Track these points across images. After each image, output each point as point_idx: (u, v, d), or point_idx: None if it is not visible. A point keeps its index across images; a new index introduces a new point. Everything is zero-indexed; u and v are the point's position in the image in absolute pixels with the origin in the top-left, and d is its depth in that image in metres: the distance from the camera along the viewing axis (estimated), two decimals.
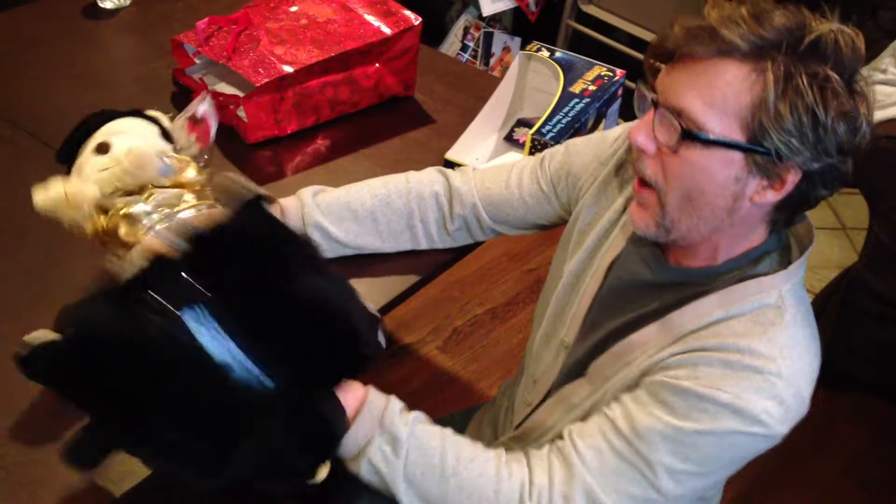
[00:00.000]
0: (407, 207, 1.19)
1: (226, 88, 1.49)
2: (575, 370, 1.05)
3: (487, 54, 3.08)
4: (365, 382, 0.96)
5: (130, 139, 1.07)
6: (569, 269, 1.10)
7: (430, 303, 2.32)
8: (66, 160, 1.09)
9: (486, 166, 1.39)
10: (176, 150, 1.11)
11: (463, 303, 2.37)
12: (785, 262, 0.94)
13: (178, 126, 1.15)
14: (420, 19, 1.50)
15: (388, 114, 1.54)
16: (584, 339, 1.05)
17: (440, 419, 1.44)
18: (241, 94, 1.41)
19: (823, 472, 2.07)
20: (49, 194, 0.99)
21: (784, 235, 0.96)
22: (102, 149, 1.05)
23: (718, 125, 0.83)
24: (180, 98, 1.51)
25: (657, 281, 0.98)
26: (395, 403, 0.96)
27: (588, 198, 1.10)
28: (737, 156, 0.84)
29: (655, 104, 0.88)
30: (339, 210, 1.18)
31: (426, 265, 1.25)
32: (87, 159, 1.06)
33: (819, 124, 0.81)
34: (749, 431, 0.86)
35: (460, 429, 1.37)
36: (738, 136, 0.83)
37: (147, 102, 1.48)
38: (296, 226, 1.16)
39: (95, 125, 1.09)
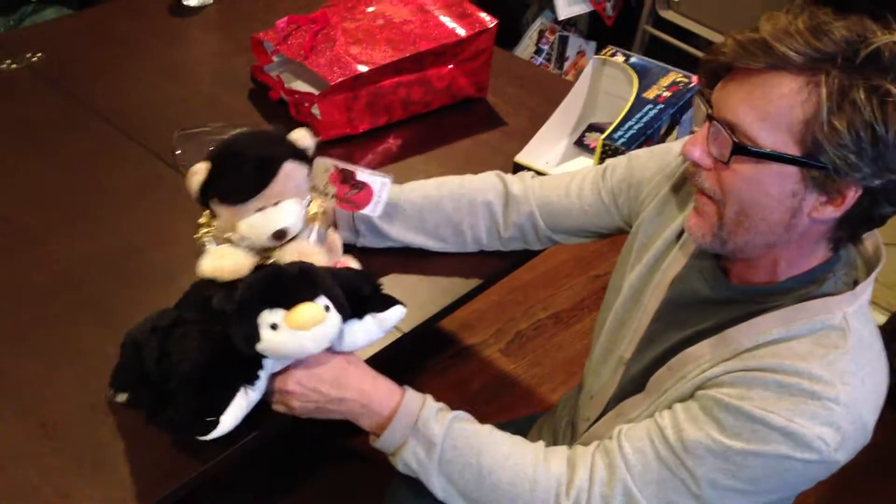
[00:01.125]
0: (457, 212, 1.20)
1: (301, 86, 1.52)
2: (631, 386, 1.04)
3: (562, 58, 3.07)
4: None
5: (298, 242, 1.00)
6: (628, 283, 1.08)
7: (494, 305, 2.32)
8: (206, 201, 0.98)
9: (554, 171, 1.38)
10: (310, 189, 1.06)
11: (527, 306, 2.36)
12: (851, 283, 0.90)
13: (321, 168, 1.11)
14: (495, 21, 1.50)
15: (459, 115, 1.55)
16: (642, 356, 1.03)
17: (499, 425, 1.44)
18: (316, 92, 1.44)
19: (893, 495, 2.00)
20: (212, 268, 0.96)
21: (851, 254, 0.93)
22: (280, 236, 0.97)
23: (771, 139, 0.81)
24: (258, 94, 1.55)
25: (715, 297, 0.96)
26: (431, 405, 0.98)
27: (650, 211, 1.08)
28: (792, 170, 0.82)
29: (710, 118, 0.87)
30: (389, 207, 1.18)
31: (490, 268, 1.25)
32: (258, 229, 0.96)
33: (879, 140, 0.77)
34: (801, 458, 0.83)
35: (520, 434, 1.37)
36: (792, 150, 0.81)
37: (226, 98, 1.53)
38: (345, 216, 1.19)
39: (256, 165, 0.95)
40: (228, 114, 1.49)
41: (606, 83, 1.53)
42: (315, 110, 1.43)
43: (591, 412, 1.13)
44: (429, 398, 1.00)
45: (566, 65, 3.09)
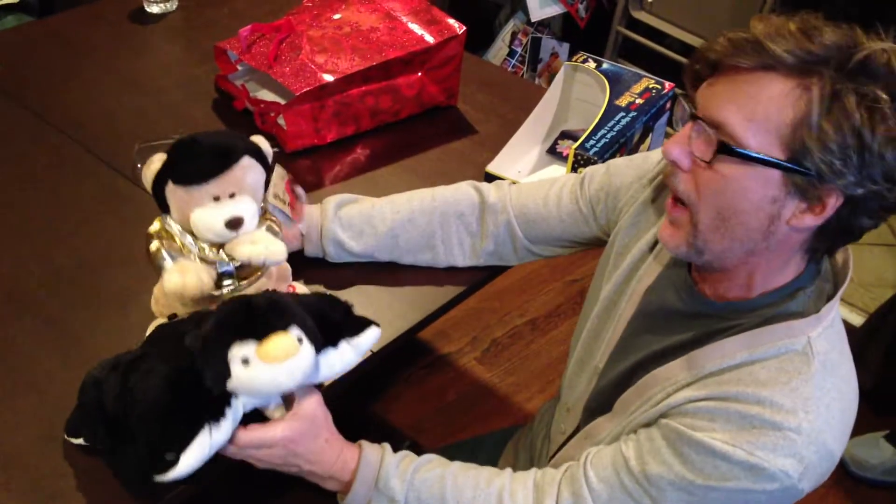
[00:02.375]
0: (429, 227, 1.17)
1: (267, 96, 1.49)
2: (601, 400, 1.02)
3: (535, 60, 3.05)
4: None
5: (259, 235, 0.98)
6: (604, 293, 1.07)
7: (469, 312, 2.29)
8: (161, 192, 0.96)
9: (527, 180, 1.36)
10: (267, 196, 1.07)
11: (503, 313, 2.34)
12: (823, 298, 0.89)
13: (279, 175, 1.12)
14: (464, 28, 1.47)
15: (429, 124, 1.52)
16: (614, 366, 1.02)
17: (475, 440, 1.41)
18: (282, 102, 1.40)
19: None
20: (176, 285, 0.93)
21: (822, 269, 0.91)
22: (235, 224, 0.94)
23: (757, 141, 0.79)
24: (222, 104, 1.51)
25: (687, 311, 0.94)
26: (390, 460, 0.96)
27: (626, 220, 1.06)
28: (775, 174, 0.80)
29: (694, 117, 0.84)
30: (361, 224, 1.17)
31: (463, 280, 1.22)
32: (212, 218, 0.94)
33: (865, 147, 0.76)
34: (763, 489, 0.81)
35: (496, 450, 1.35)
36: (777, 153, 0.79)
37: (189, 108, 1.49)
38: (313, 234, 1.16)
39: (209, 159, 0.94)
40: (192, 124, 1.45)
41: (578, 90, 1.50)
42: (281, 120, 1.40)
43: (567, 425, 1.11)
44: (387, 452, 0.98)
45: (539, 67, 3.07)
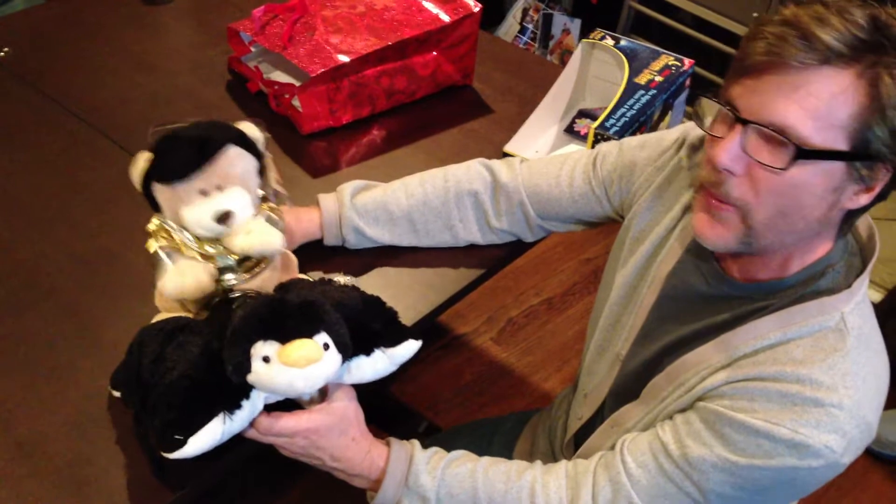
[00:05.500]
0: (445, 208, 1.16)
1: (281, 77, 1.47)
2: (626, 386, 1.01)
3: (546, 37, 3.01)
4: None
5: (255, 225, 0.95)
6: (623, 278, 1.05)
7: (485, 292, 2.28)
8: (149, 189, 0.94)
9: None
10: (263, 183, 1.03)
11: (518, 292, 2.33)
12: (851, 275, 0.88)
13: (272, 161, 1.08)
14: (480, 6, 1.45)
15: (445, 103, 1.50)
16: (638, 353, 1.00)
17: (494, 421, 1.41)
18: (296, 84, 1.39)
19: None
20: (175, 287, 0.92)
21: (849, 241, 0.90)
22: (224, 218, 0.92)
23: (822, 138, 0.77)
24: (236, 86, 1.50)
25: (714, 293, 0.93)
26: (420, 457, 0.95)
27: (642, 204, 1.05)
28: (839, 166, 0.79)
29: (742, 121, 0.80)
30: (376, 210, 1.16)
31: (484, 261, 1.22)
32: (200, 213, 0.92)
33: None
34: (808, 466, 0.81)
35: (514, 431, 1.34)
36: (842, 145, 0.78)
37: (203, 91, 1.48)
38: (332, 223, 1.15)
39: (198, 150, 0.91)
40: (206, 107, 1.44)
41: (596, 67, 1.48)
42: (296, 102, 1.38)
43: (585, 410, 1.10)
44: (416, 448, 0.96)
45: (551, 44, 3.04)
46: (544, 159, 1.19)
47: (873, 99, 0.75)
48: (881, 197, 0.83)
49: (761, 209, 0.82)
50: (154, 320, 0.99)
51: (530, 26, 3.02)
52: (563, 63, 2.92)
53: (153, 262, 0.95)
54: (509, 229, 1.18)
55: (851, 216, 0.85)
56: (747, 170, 0.81)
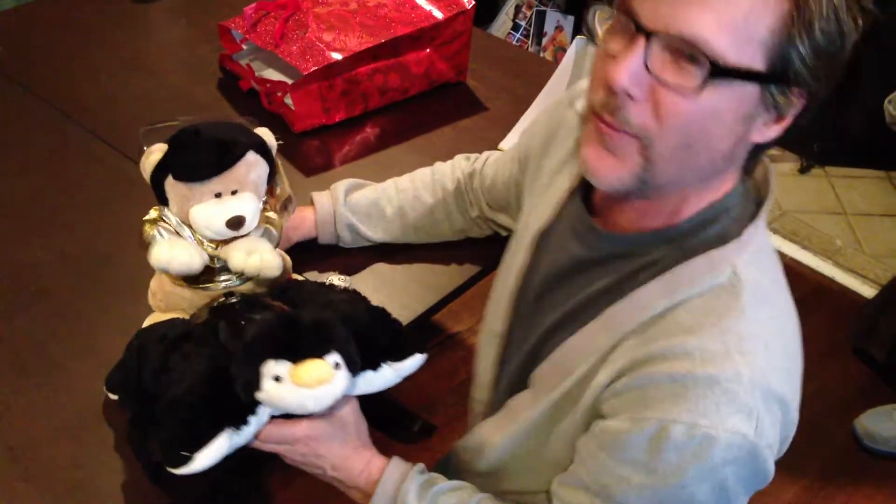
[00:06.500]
0: (434, 200, 1.16)
1: (273, 75, 1.46)
2: (514, 373, 0.92)
3: (539, 34, 3.01)
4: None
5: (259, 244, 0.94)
6: (506, 251, 0.98)
7: (479, 291, 2.26)
8: (160, 185, 0.93)
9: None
10: (281, 189, 1.04)
11: None
12: (746, 219, 0.77)
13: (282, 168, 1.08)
14: (473, 3, 1.44)
15: (439, 101, 1.49)
16: (519, 335, 0.92)
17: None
18: (289, 82, 1.38)
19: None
20: (165, 256, 0.90)
21: (746, 185, 0.79)
22: (236, 224, 0.91)
23: (739, 54, 0.65)
24: (227, 84, 1.48)
25: (594, 256, 0.82)
26: (414, 480, 0.90)
27: (533, 158, 0.99)
28: (754, 90, 0.67)
29: (647, 33, 0.67)
30: (368, 207, 1.15)
31: (480, 259, 1.21)
32: (212, 216, 0.90)
33: (834, 41, 0.66)
34: (724, 460, 0.70)
35: None
36: (759, 65, 0.66)
37: (194, 89, 1.47)
38: (327, 221, 1.14)
39: (211, 154, 0.90)
40: (197, 106, 1.43)
41: (590, 64, 1.47)
42: (288, 100, 1.37)
43: (478, 393, 1.01)
44: (413, 470, 0.92)
45: (544, 40, 3.03)
46: (506, 153, 1.15)
47: (799, 8, 0.65)
48: (789, 134, 0.72)
49: (664, 139, 0.69)
50: (147, 321, 0.98)
51: (523, 23, 3.01)
52: (557, 60, 2.91)
53: (145, 243, 0.93)
54: (492, 217, 1.16)
55: (758, 152, 0.75)
56: (650, 92, 0.68)
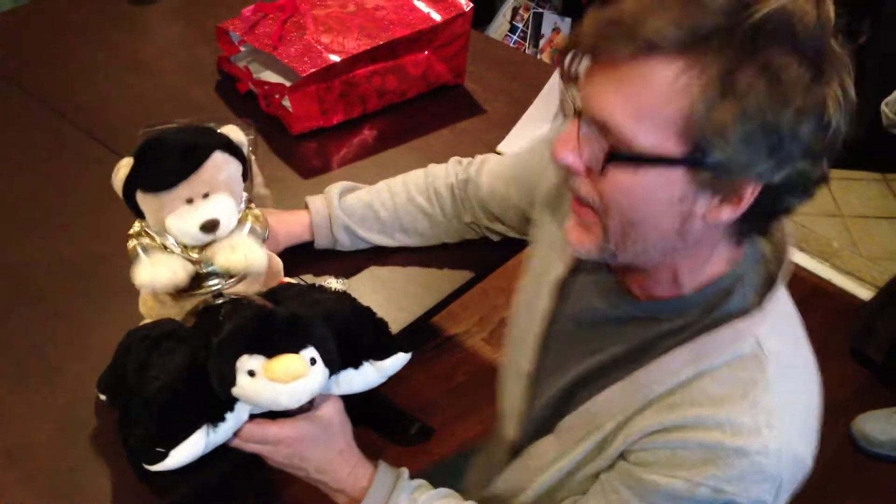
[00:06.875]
0: (427, 203, 1.15)
1: (271, 77, 1.46)
2: (540, 417, 0.93)
3: (537, 36, 3.01)
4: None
5: (239, 238, 0.93)
6: (523, 284, 1.00)
7: (477, 292, 2.24)
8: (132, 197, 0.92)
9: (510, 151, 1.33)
10: (247, 186, 1.02)
11: (510, 293, 2.28)
12: (763, 286, 0.80)
13: (256, 163, 1.07)
14: (471, 5, 1.44)
15: (437, 103, 1.49)
16: (552, 380, 0.93)
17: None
18: (287, 84, 1.37)
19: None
20: (147, 277, 0.90)
21: (757, 249, 0.81)
22: (211, 227, 0.90)
23: (650, 139, 0.67)
24: (225, 86, 1.48)
25: (617, 316, 0.85)
26: (403, 486, 0.91)
27: (539, 204, 0.99)
28: (677, 173, 0.68)
29: (579, 113, 0.72)
30: (363, 210, 1.15)
31: (477, 261, 1.21)
32: (185, 222, 0.90)
33: (774, 129, 0.64)
34: None
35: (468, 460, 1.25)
36: (675, 149, 0.67)
37: (192, 91, 1.47)
38: (322, 225, 1.14)
39: (181, 157, 0.89)
40: (195, 108, 1.43)
41: None
42: (286, 102, 1.37)
43: (507, 430, 1.02)
44: (402, 477, 0.92)
45: (541, 42, 3.03)
46: (506, 157, 1.15)
47: (700, 98, 0.64)
48: (769, 213, 0.73)
49: (609, 213, 0.73)
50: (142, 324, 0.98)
51: (520, 25, 3.01)
52: (554, 62, 2.92)
53: (131, 261, 0.93)
54: (486, 224, 1.16)
55: (745, 231, 0.76)
56: (589, 168, 0.73)
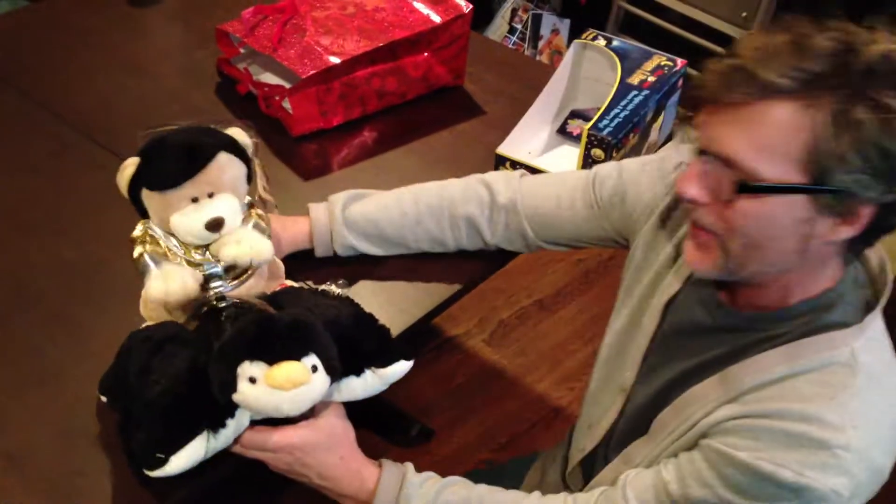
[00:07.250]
0: (439, 227, 1.14)
1: (271, 79, 1.46)
2: (634, 421, 0.98)
3: (536, 37, 3.01)
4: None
5: (242, 234, 0.94)
6: (627, 308, 1.03)
7: (476, 294, 2.25)
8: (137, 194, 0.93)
9: (537, 161, 1.33)
10: (251, 190, 1.02)
11: (510, 294, 2.32)
12: (861, 307, 0.85)
13: (260, 167, 1.06)
14: (471, 6, 1.44)
15: (436, 105, 1.49)
16: (644, 386, 0.98)
17: (498, 466, 1.34)
18: (286, 85, 1.37)
19: None
20: (160, 292, 0.90)
21: (860, 273, 0.87)
22: (216, 226, 0.91)
23: (773, 170, 0.75)
24: (225, 89, 1.48)
25: (717, 326, 0.90)
26: (413, 480, 0.92)
27: (645, 232, 1.02)
28: (800, 198, 0.76)
29: (701, 151, 0.80)
30: (367, 227, 1.13)
31: (477, 265, 1.21)
32: (190, 220, 0.91)
33: (889, 156, 0.72)
34: None
35: (519, 475, 1.29)
36: (797, 178, 0.75)
37: (192, 93, 1.47)
38: (322, 235, 1.13)
39: (184, 159, 0.90)
40: (194, 110, 1.42)
41: (588, 68, 1.48)
42: (286, 104, 1.37)
43: (588, 442, 1.07)
44: (409, 472, 0.93)
45: (541, 44, 3.03)
46: (542, 178, 1.16)
47: (820, 134, 0.73)
48: (880, 229, 0.79)
49: (733, 238, 0.81)
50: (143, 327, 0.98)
51: (519, 27, 3.01)
52: (553, 63, 2.92)
53: (139, 269, 0.93)
54: (506, 246, 1.17)
55: (855, 246, 0.82)
56: (714, 199, 0.81)
